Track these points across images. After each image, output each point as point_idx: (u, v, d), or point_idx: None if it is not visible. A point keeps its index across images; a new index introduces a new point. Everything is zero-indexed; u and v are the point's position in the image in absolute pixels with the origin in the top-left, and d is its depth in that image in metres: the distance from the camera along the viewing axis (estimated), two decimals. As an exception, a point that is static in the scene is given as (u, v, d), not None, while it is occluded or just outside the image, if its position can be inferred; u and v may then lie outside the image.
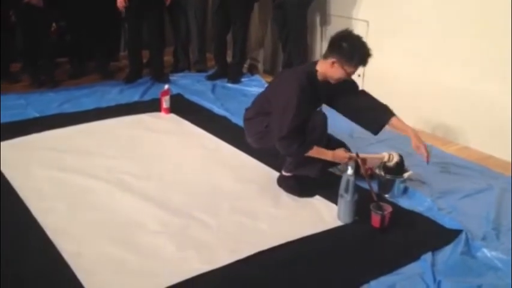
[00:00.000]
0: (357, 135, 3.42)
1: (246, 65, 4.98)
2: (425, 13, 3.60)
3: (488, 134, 3.31)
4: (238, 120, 3.64)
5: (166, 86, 3.84)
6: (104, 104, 3.96)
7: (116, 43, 4.99)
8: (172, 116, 3.75)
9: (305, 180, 2.70)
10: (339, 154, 2.59)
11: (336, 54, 2.49)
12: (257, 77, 4.79)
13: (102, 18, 4.47)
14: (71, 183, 2.71)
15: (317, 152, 2.54)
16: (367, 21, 4.06)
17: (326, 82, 2.60)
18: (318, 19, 4.53)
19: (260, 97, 2.82)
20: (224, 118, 3.76)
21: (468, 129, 3.44)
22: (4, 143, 3.17)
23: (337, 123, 2.97)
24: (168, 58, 4.85)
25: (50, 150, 3.10)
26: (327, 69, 2.53)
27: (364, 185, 2.52)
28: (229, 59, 4.82)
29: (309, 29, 4.49)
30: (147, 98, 4.18)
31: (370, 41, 3.97)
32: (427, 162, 2.63)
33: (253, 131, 2.76)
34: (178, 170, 2.93)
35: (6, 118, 3.56)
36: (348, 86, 2.72)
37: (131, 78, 4.53)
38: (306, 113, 2.53)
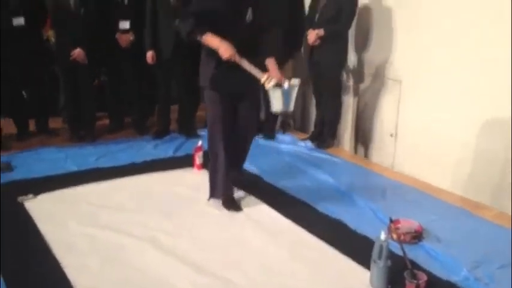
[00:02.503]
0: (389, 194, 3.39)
1: (278, 122, 5.03)
2: (457, 71, 3.60)
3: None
4: (270, 178, 3.67)
5: (199, 143, 3.91)
6: (139, 159, 4.06)
7: (152, 99, 5.14)
8: (205, 172, 3.79)
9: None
10: (226, 49, 2.76)
11: None
12: (289, 134, 4.84)
13: (140, 75, 4.64)
14: (104, 240, 2.75)
15: (208, 39, 2.81)
16: (400, 81, 4.08)
17: None
18: (351, 77, 4.59)
19: None
20: (256, 175, 3.78)
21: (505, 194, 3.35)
22: (41, 196, 3.27)
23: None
24: (200, 113, 4.96)
25: (85, 205, 3.17)
26: None
27: (396, 250, 2.47)
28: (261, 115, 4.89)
29: (343, 86, 4.55)
30: (180, 153, 4.26)
31: (402, 101, 4.06)
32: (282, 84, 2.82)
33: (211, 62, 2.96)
34: (212, 228, 2.94)
35: (45, 171, 3.69)
36: (267, 19, 2.98)
37: (160, 134, 4.66)
38: (215, 5, 2.78)
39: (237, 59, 2.81)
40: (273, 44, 3.00)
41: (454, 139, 3.65)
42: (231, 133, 3.11)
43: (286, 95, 2.84)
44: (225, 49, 2.77)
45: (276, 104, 2.86)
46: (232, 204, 3.17)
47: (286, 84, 2.85)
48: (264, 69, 2.89)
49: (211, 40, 2.81)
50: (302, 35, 4.46)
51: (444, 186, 3.64)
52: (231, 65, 2.83)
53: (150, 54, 4.37)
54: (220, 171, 3.12)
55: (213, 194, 3.22)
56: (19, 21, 4.18)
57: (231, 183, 3.22)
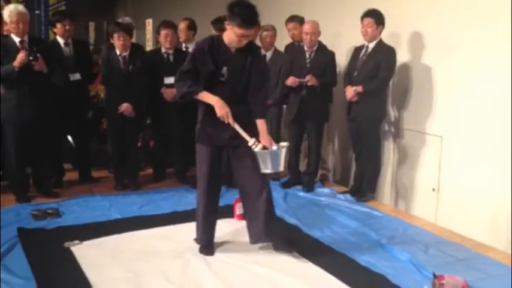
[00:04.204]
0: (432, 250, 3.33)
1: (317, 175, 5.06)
2: (494, 126, 3.58)
3: None
4: (310, 230, 3.67)
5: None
6: (180, 208, 4.14)
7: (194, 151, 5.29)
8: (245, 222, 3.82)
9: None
10: (221, 107, 2.86)
11: (228, 18, 2.88)
12: (329, 187, 4.84)
13: (183, 128, 4.81)
14: (146, 286, 2.80)
15: (204, 96, 2.91)
16: (440, 137, 4.08)
17: (237, 52, 2.96)
18: (391, 133, 4.61)
19: None
20: (296, 227, 3.77)
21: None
22: (87, 243, 3.36)
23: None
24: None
25: (128, 252, 3.24)
26: (226, 34, 2.94)
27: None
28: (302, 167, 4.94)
29: (382, 142, 4.57)
30: (221, 203, 4.30)
31: (444, 156, 4.03)
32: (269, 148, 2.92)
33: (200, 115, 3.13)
34: (251, 279, 2.94)
35: (91, 218, 3.81)
36: (257, 81, 3.05)
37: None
38: (207, 67, 2.90)
39: (230, 119, 2.90)
40: (262, 106, 3.10)
41: (496, 194, 3.58)
42: (219, 187, 3.29)
43: (274, 157, 2.92)
44: (220, 106, 2.88)
45: (264, 166, 2.94)
46: (207, 250, 3.22)
47: (274, 147, 2.95)
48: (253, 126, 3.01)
49: (207, 96, 2.92)
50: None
51: (490, 243, 3.54)
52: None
53: None
54: (199, 220, 3.25)
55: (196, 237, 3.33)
56: (76, 76, 4.53)
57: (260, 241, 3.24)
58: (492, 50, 3.59)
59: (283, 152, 2.98)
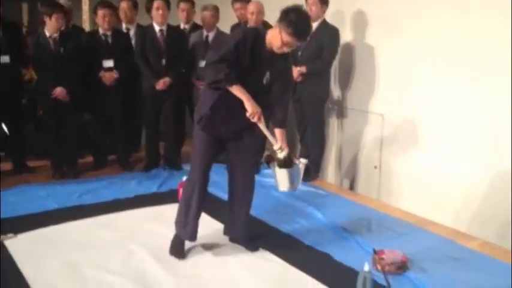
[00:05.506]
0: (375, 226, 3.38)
1: (263, 156, 5.04)
2: (438, 106, 3.67)
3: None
4: (255, 211, 3.63)
5: (184, 178, 3.88)
6: (123, 195, 4.01)
7: (136, 136, 5.14)
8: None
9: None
10: (253, 105, 2.63)
11: (281, 21, 2.64)
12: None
13: (124, 112, 4.66)
14: (86, 278, 2.69)
15: (238, 90, 2.64)
16: (382, 115, 4.14)
17: (271, 53, 2.73)
18: (335, 112, 4.64)
19: None
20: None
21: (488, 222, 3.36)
22: (22, 235, 3.19)
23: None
24: (186, 148, 4.95)
25: (66, 243, 3.11)
26: (271, 33, 2.71)
27: (381, 281, 2.44)
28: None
29: (326, 122, 4.59)
30: (164, 189, 4.23)
31: (385, 133, 4.11)
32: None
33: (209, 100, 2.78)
34: (195, 265, 2.90)
35: (26, 210, 3.62)
36: (282, 88, 2.87)
37: (149, 168, 4.69)
38: (243, 61, 2.65)
39: (261, 119, 2.69)
40: (283, 116, 2.91)
41: (436, 169, 3.69)
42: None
43: (294, 175, 2.79)
44: (253, 104, 2.64)
45: (282, 183, 2.80)
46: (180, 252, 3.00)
47: (294, 164, 2.80)
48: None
49: (241, 92, 2.65)
50: None
51: (430, 217, 3.65)
52: (234, 105, 2.70)
53: (162, 81, 4.43)
54: (191, 212, 2.95)
55: (179, 230, 3.01)
56: (5, 59, 4.23)
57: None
58: (432, 29, 3.66)
59: (302, 170, 2.84)
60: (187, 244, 3.04)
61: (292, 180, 2.77)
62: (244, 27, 4.52)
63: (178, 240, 3.01)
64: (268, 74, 2.78)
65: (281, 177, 2.79)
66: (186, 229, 2.98)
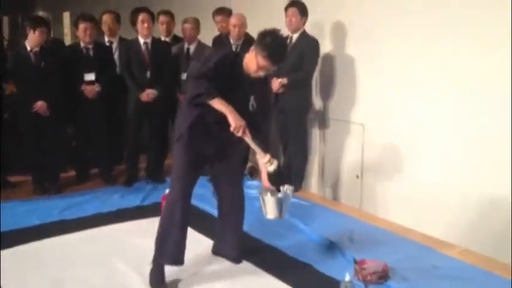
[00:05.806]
0: (357, 238, 3.41)
1: (246, 168, 5.05)
2: (418, 115, 3.74)
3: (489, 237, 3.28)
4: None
5: (167, 190, 3.88)
6: (105, 210, 3.99)
7: (119, 149, 5.13)
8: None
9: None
10: (237, 118, 2.54)
11: (257, 45, 2.60)
12: (257, 180, 4.85)
13: (107, 126, 4.65)
14: (68, 295, 2.67)
15: (219, 103, 2.56)
16: (363, 125, 4.20)
17: (250, 78, 2.68)
18: (317, 122, 4.68)
19: None
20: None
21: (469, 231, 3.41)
22: (4, 252, 3.16)
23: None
24: (169, 161, 4.94)
25: (50, 259, 3.09)
26: (248, 57, 2.66)
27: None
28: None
29: (309, 132, 4.63)
30: (148, 202, 4.22)
31: (366, 143, 4.16)
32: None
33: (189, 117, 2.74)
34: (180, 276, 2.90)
35: (8, 226, 3.57)
36: (261, 114, 2.80)
37: (131, 182, 4.68)
38: (221, 84, 2.56)
39: (246, 133, 2.60)
40: (265, 145, 2.78)
41: (417, 178, 3.74)
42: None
43: (280, 204, 2.76)
44: (236, 117, 2.55)
45: (271, 212, 2.77)
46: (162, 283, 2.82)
47: (280, 193, 2.77)
48: None
49: (223, 105, 2.56)
50: None
51: (412, 226, 3.69)
52: (214, 122, 2.67)
53: (145, 93, 4.43)
54: (174, 232, 2.82)
55: (160, 255, 2.83)
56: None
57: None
58: (411, 41, 3.72)
59: (290, 198, 2.81)
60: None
61: (280, 210, 2.75)
62: (227, 44, 4.56)
63: (157, 271, 2.83)
64: (252, 98, 2.74)
65: (270, 206, 2.76)
66: (164, 250, 2.82)
